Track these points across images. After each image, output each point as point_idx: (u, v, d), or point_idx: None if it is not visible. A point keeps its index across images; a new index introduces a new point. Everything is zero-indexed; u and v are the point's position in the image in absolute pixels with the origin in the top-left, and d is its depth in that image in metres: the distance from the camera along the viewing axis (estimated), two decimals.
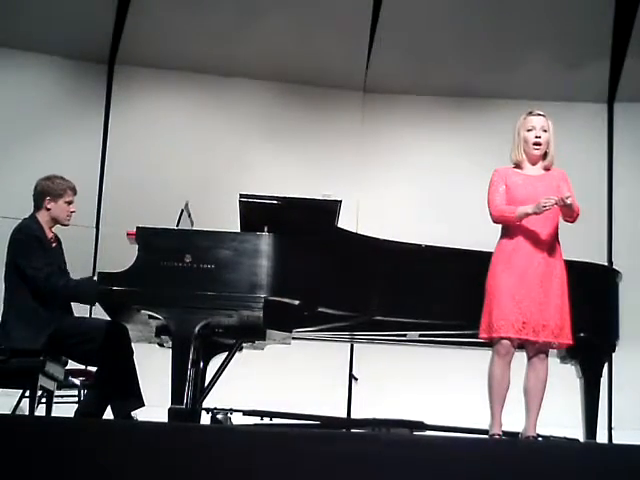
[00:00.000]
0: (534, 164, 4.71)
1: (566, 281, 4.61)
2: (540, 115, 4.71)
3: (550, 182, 4.67)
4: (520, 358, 4.68)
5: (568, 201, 4.50)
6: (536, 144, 4.66)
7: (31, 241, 5.05)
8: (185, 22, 8.47)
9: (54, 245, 5.19)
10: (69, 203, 5.19)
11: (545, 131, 4.68)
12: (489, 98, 8.60)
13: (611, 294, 5.49)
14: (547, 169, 4.72)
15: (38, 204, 5.17)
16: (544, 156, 4.70)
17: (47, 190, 5.15)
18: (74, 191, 5.22)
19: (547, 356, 4.61)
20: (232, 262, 4.70)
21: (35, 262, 5.00)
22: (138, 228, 4.78)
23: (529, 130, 4.68)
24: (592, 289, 5.39)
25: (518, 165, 4.73)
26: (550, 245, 4.60)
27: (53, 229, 5.22)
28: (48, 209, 5.14)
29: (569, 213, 4.62)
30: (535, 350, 4.59)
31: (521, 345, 4.62)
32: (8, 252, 5.08)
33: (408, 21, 8.62)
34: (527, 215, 4.56)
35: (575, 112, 8.80)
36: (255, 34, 8.50)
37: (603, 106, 8.89)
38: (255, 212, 4.88)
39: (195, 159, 8.54)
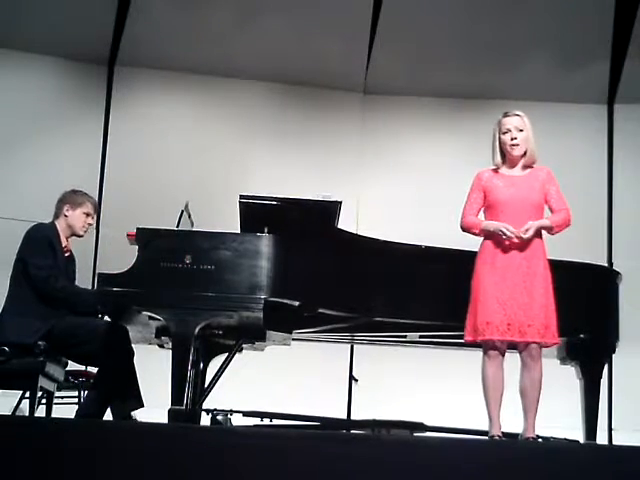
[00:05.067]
0: (515, 164, 4.72)
1: (550, 279, 4.60)
2: (515, 115, 4.71)
3: (533, 182, 4.67)
4: (516, 358, 4.67)
5: (525, 236, 4.53)
6: (513, 145, 4.67)
7: (41, 240, 5.11)
8: (185, 23, 8.47)
9: (67, 255, 5.23)
10: (87, 215, 5.28)
11: (521, 130, 4.68)
12: (489, 99, 8.60)
13: (611, 295, 5.48)
14: (528, 167, 4.72)
15: (57, 212, 5.27)
16: (524, 154, 4.71)
17: (67, 199, 5.28)
18: (94, 206, 5.34)
19: (540, 355, 4.60)
20: (232, 263, 4.70)
21: (38, 261, 5.03)
22: (138, 229, 4.78)
23: (505, 132, 4.68)
24: (592, 290, 5.38)
25: (499, 168, 4.74)
26: (533, 244, 4.60)
27: (70, 240, 5.26)
28: (65, 216, 5.23)
29: (547, 230, 4.64)
30: (527, 350, 4.58)
31: (513, 346, 4.61)
32: (19, 249, 5.14)
33: (408, 22, 8.62)
34: (489, 231, 4.61)
35: (575, 113, 8.82)
36: (255, 35, 8.50)
37: (603, 107, 8.89)
38: (255, 213, 4.88)
39: (195, 160, 8.54)
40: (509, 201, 4.63)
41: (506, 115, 4.73)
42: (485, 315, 4.51)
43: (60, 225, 5.24)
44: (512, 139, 4.66)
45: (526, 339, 4.51)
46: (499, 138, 4.70)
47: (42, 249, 5.08)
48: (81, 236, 5.33)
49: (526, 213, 4.60)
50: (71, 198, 5.28)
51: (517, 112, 4.74)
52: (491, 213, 4.68)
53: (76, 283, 5.28)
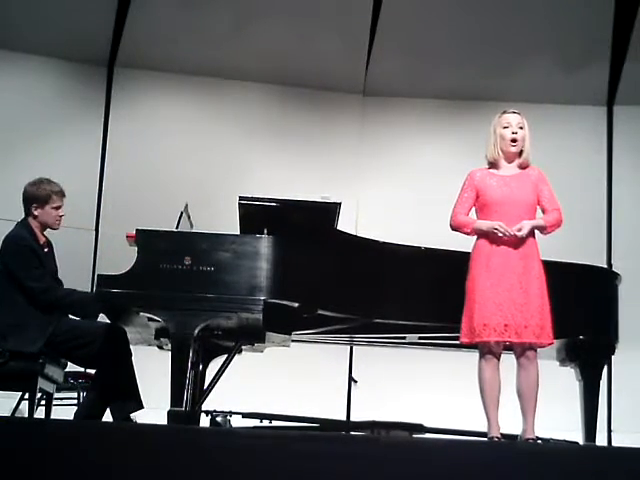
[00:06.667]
0: (510, 162, 4.71)
1: (544, 279, 4.59)
2: (515, 113, 4.73)
3: (526, 182, 4.66)
4: (513, 359, 4.67)
5: (520, 234, 4.54)
6: (513, 140, 4.67)
7: (25, 252, 5.02)
8: (185, 25, 8.48)
9: (46, 250, 5.19)
10: (57, 208, 5.16)
11: (521, 128, 4.69)
12: (489, 101, 8.59)
13: (610, 296, 5.49)
14: (523, 167, 4.71)
15: (26, 210, 5.17)
16: (520, 154, 4.71)
17: (32, 197, 5.14)
18: (62, 195, 5.18)
19: (536, 356, 4.59)
20: (231, 264, 4.70)
21: (33, 273, 4.98)
22: (137, 230, 4.78)
23: (505, 127, 4.68)
24: (591, 291, 5.39)
25: (494, 164, 4.73)
26: (527, 245, 4.59)
27: (45, 233, 5.21)
28: (36, 216, 5.13)
29: (540, 230, 4.64)
30: (522, 351, 4.58)
31: (508, 347, 4.61)
32: (3, 260, 5.05)
33: (408, 24, 8.63)
34: (481, 231, 4.60)
35: (575, 115, 8.82)
36: (255, 37, 8.51)
37: (603, 109, 8.90)
38: (254, 214, 4.88)
39: (194, 161, 8.54)
40: (503, 201, 4.62)
41: (506, 112, 4.74)
42: (482, 317, 4.50)
43: (33, 223, 5.13)
44: (512, 133, 4.66)
45: (522, 340, 4.51)
46: (498, 133, 4.69)
47: (29, 260, 5.01)
48: (56, 229, 5.22)
49: (520, 213, 4.60)
50: (35, 196, 5.11)
51: (516, 110, 4.75)
52: (484, 212, 4.67)
53: (74, 283, 5.25)
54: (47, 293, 4.99)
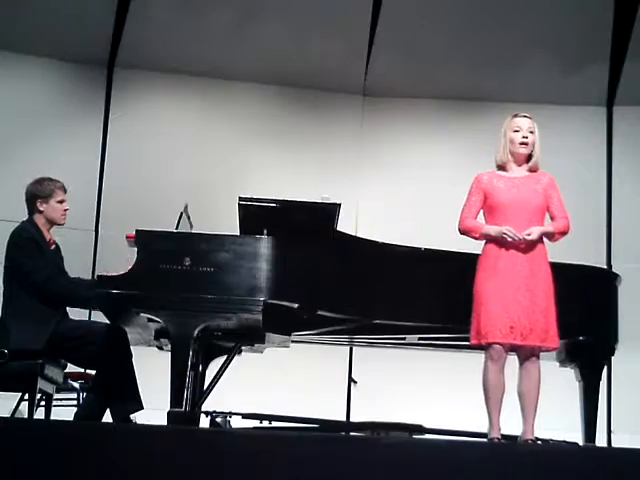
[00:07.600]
0: (519, 165, 4.72)
1: (551, 283, 4.60)
2: (526, 117, 4.74)
3: (534, 185, 4.67)
4: (515, 361, 4.67)
5: (529, 237, 4.54)
6: (523, 143, 4.67)
7: (29, 244, 5.06)
8: (185, 25, 8.47)
9: (53, 247, 5.20)
10: (61, 202, 5.19)
11: (531, 132, 4.70)
12: (489, 101, 8.61)
13: (610, 297, 5.49)
14: (532, 171, 4.72)
15: (31, 208, 5.19)
16: (529, 158, 4.71)
17: (36, 193, 5.17)
18: (63, 190, 5.23)
19: (538, 358, 4.60)
20: (231, 265, 4.70)
21: (35, 264, 5.01)
22: (137, 231, 4.78)
23: (516, 131, 4.70)
24: (591, 292, 5.39)
25: (503, 167, 4.74)
26: (534, 248, 4.60)
27: (51, 231, 5.23)
28: (41, 211, 5.16)
29: (548, 237, 4.64)
30: (526, 353, 4.59)
31: (513, 349, 4.62)
32: (7, 255, 5.08)
33: (407, 24, 8.62)
34: (490, 236, 4.61)
35: (574, 115, 8.82)
36: (255, 37, 8.51)
37: (602, 109, 8.90)
38: (254, 215, 4.88)
39: (194, 162, 8.54)
40: (511, 203, 4.62)
41: (517, 115, 4.75)
42: (488, 318, 4.52)
43: (39, 220, 5.16)
44: (523, 137, 4.67)
45: (527, 343, 4.52)
46: (508, 136, 4.70)
47: (31, 251, 5.03)
48: (62, 224, 5.25)
49: (528, 216, 4.60)
50: (39, 192, 5.16)
51: (527, 114, 4.76)
52: (492, 215, 4.67)
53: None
54: (46, 284, 5.00)
